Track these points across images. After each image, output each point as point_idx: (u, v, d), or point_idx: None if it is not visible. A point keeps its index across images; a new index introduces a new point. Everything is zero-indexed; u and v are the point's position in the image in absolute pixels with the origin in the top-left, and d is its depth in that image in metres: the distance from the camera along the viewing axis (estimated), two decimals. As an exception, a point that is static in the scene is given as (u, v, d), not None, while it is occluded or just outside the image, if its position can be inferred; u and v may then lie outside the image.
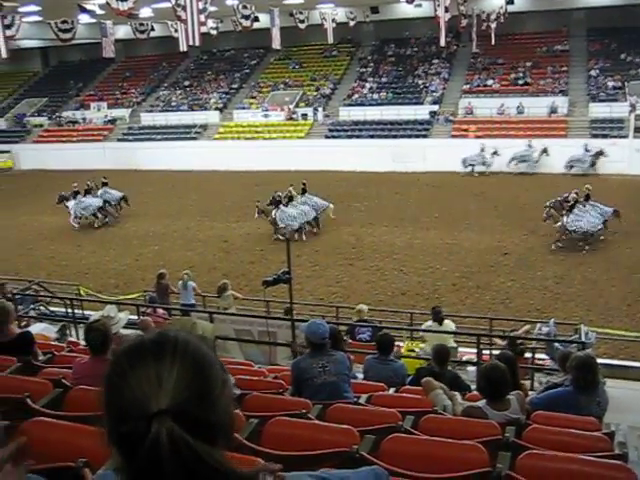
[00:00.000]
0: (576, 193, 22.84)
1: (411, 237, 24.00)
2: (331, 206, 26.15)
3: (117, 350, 1.31)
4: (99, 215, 28.72)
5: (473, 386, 7.51)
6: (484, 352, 10.76)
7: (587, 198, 22.83)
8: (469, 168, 34.65)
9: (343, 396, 5.99)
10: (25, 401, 4.07)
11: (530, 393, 6.75)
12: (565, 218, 21.81)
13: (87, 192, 29.07)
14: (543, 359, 11.32)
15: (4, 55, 22.98)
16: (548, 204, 22.88)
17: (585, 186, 23.54)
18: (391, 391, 6.42)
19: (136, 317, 12.78)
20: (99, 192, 29.38)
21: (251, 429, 3.71)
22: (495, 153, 34.00)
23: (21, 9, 25.96)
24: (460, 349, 11.51)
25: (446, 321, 11.68)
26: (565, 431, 4.31)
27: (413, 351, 11.16)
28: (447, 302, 17.59)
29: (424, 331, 11.51)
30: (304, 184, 26.99)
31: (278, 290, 12.19)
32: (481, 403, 4.83)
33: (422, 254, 22.16)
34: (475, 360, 9.93)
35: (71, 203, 28.39)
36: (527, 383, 8.75)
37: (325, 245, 23.58)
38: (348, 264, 21.66)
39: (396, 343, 9.26)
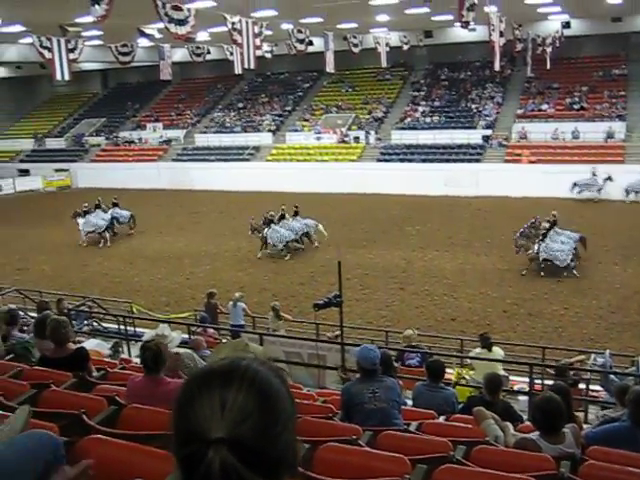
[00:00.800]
0: (548, 221, 22.81)
1: (462, 262, 23.76)
2: (320, 226, 26.73)
3: (190, 375, 1.35)
4: (106, 234, 29.43)
5: (525, 416, 7.39)
6: (536, 382, 10.53)
7: (554, 224, 22.90)
8: (578, 192, 33.50)
9: (393, 423, 5.95)
10: (81, 417, 4.15)
11: (584, 426, 6.59)
12: (536, 246, 21.75)
13: (97, 207, 30.44)
14: (597, 391, 11.04)
15: (67, 77, 23.63)
16: (517, 235, 22.46)
17: (552, 212, 23.63)
18: (441, 419, 6.35)
19: (187, 336, 12.95)
20: (109, 211, 30.47)
21: (302, 454, 3.70)
22: (609, 179, 32.87)
23: (84, 33, 26.75)
24: (511, 377, 11.30)
25: (495, 348, 11.43)
26: (625, 469, 4.18)
27: (463, 378, 11.00)
28: (498, 329, 17.33)
29: (473, 358, 11.29)
30: (296, 207, 27.93)
31: (328, 313, 12.20)
32: (535, 435, 4.73)
33: (473, 279, 21.90)
34: (527, 390, 9.75)
35: (81, 221, 29.36)
36: (581, 415, 8.55)
37: (376, 268, 23.50)
38: (398, 288, 21.53)
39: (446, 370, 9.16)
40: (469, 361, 11.88)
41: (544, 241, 21.79)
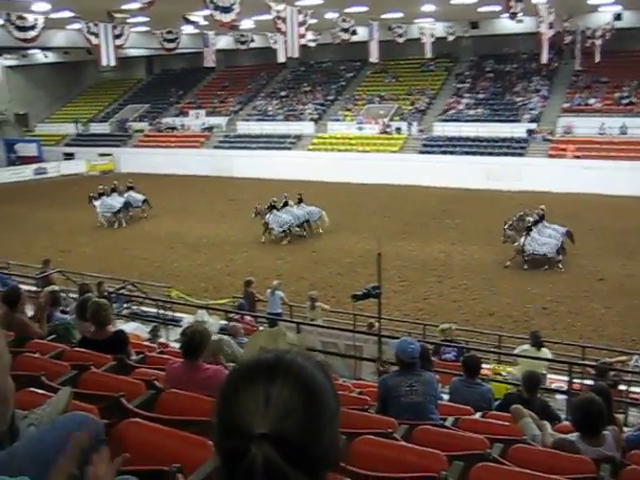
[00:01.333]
0: (537, 214, 23.20)
1: (503, 257, 23.47)
2: (324, 214, 27.37)
3: (235, 366, 1.33)
4: (120, 216, 30.57)
5: (562, 415, 7.29)
6: (575, 381, 10.37)
7: (542, 218, 23.20)
8: None
9: (429, 417, 5.91)
10: (120, 400, 4.19)
11: (624, 429, 6.47)
12: (522, 239, 22.08)
13: (113, 190, 31.48)
14: (638, 393, 10.83)
15: (113, 63, 23.96)
16: (506, 226, 22.89)
17: (540, 206, 23.88)
18: (477, 415, 6.29)
19: (225, 322, 13.04)
20: (125, 195, 31.48)
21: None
22: None
23: (130, 20, 27.02)
24: (549, 376, 11.14)
25: (544, 349, 11.18)
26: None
27: (500, 374, 10.89)
28: (537, 326, 17.02)
29: (519, 356, 11.04)
30: (300, 195, 28.57)
31: (365, 304, 12.18)
32: (574, 436, 4.66)
33: (513, 275, 21.66)
34: (565, 389, 9.61)
35: (97, 203, 30.46)
36: (620, 417, 8.40)
37: (414, 261, 23.38)
38: (437, 281, 21.40)
39: (483, 365, 9.08)
40: (512, 358, 11.69)
41: (529, 235, 22.08)
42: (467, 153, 38.26)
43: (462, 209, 31.03)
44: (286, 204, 27.54)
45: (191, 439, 2.97)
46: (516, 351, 11.42)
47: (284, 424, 1.19)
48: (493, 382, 9.31)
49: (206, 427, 3.89)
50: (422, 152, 39.71)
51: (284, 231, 26.40)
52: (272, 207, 26.79)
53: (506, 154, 37.41)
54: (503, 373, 10.92)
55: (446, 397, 7.68)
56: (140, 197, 31.95)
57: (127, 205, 31.11)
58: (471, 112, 41.80)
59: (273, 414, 1.20)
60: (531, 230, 22.24)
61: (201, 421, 3.87)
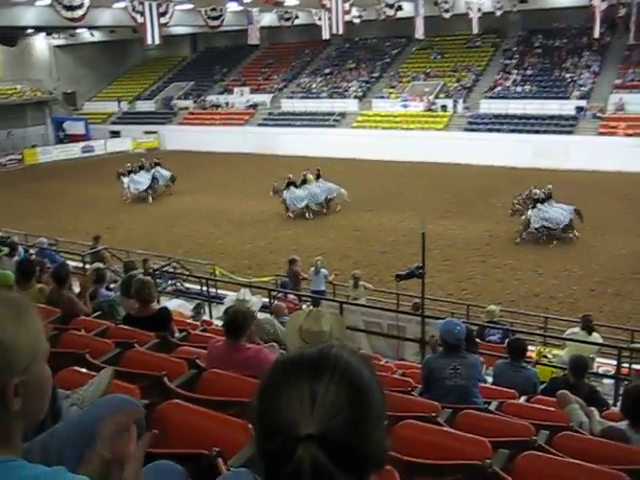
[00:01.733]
0: (543, 192, 23.29)
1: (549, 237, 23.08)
2: (343, 191, 27.25)
3: (276, 361, 1.27)
4: (149, 192, 31.37)
5: (610, 401, 7.13)
6: (624, 365, 10.13)
7: (549, 197, 23.28)
8: None
9: (472, 401, 5.83)
10: (162, 380, 4.21)
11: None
12: (529, 212, 22.36)
13: (140, 168, 32.01)
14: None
15: (157, 41, 24.08)
16: (515, 201, 23.40)
17: (547, 186, 23.87)
18: (522, 399, 6.19)
19: (267, 300, 13.09)
20: (152, 171, 31.97)
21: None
22: None
23: (175, -3, 27.12)
24: (597, 359, 10.91)
25: (595, 333, 10.90)
26: None
27: (545, 357, 10.70)
28: (583, 308, 16.74)
29: (568, 339, 10.78)
30: (318, 170, 28.39)
31: (408, 283, 12.07)
32: (623, 424, 4.53)
33: (559, 256, 21.26)
34: (613, 373, 9.40)
35: (126, 180, 31.24)
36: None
37: (458, 240, 23.13)
38: (481, 261, 21.16)
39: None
40: (561, 341, 11.45)
41: (536, 207, 22.32)
42: (514, 131, 37.56)
43: (508, 188, 30.47)
44: (304, 181, 27.68)
45: (231, 422, 2.95)
46: (566, 333, 11.15)
47: (332, 424, 1.13)
48: (538, 365, 9.15)
49: (246, 409, 3.90)
50: (467, 130, 39.14)
51: (303, 208, 26.79)
52: (290, 184, 27.04)
53: (554, 132, 36.66)
54: (549, 355, 10.72)
55: (490, 380, 7.59)
56: (167, 173, 32.52)
57: (155, 181, 31.81)
58: (518, 89, 40.98)
59: (320, 414, 1.13)
60: (537, 203, 22.46)
61: (242, 402, 3.86)
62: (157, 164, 32.77)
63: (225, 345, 5.26)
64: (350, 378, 1.18)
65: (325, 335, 4.74)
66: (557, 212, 22.43)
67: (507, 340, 8.43)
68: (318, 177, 28.15)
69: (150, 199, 31.33)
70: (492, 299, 17.35)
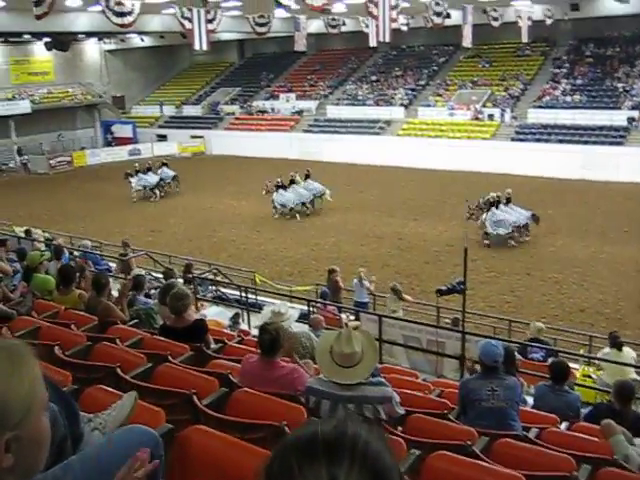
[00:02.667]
0: (497, 195, 24.14)
1: (595, 251, 22.57)
2: (327, 191, 28.77)
3: (286, 440, 1.15)
4: (156, 191, 33.08)
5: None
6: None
7: (508, 201, 24.27)
8: None
9: (509, 424, 5.67)
10: (192, 398, 4.15)
11: None
12: (484, 215, 23.34)
13: (148, 169, 33.73)
14: None
15: (205, 47, 24.23)
16: (471, 205, 24.34)
17: (507, 190, 24.85)
18: (563, 426, 5.97)
19: (306, 308, 13.01)
20: (159, 171, 33.95)
21: (411, 462, 3.52)
22: None
23: (223, 4, 27.28)
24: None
25: (625, 348, 10.55)
26: None
27: (589, 377, 10.39)
28: (631, 325, 16.35)
29: (601, 360, 10.48)
30: (308, 171, 29.79)
31: (450, 296, 11.89)
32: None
33: (607, 270, 20.76)
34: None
35: (134, 180, 32.86)
36: None
37: (502, 252, 22.76)
38: (525, 273, 20.77)
39: (571, 365, 8.66)
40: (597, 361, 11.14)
41: (490, 211, 23.30)
42: (562, 141, 36.87)
43: (554, 199, 30.00)
44: (292, 182, 28.78)
45: (257, 452, 2.85)
46: (600, 354, 10.81)
47: None
48: (580, 387, 8.87)
49: (274, 432, 3.81)
50: (514, 140, 38.57)
51: (290, 209, 27.97)
52: (279, 186, 28.28)
53: (604, 143, 35.84)
54: (593, 376, 10.41)
55: (530, 400, 7.38)
56: (171, 173, 34.25)
57: (161, 181, 33.55)
58: (568, 99, 40.23)
59: None
60: (491, 207, 23.40)
61: (270, 425, 3.77)
62: (164, 164, 34.36)
63: (259, 362, 5.19)
64: (372, 462, 1.08)
65: (357, 356, 4.65)
66: (512, 215, 23.29)
67: (550, 361, 8.19)
68: (307, 177, 29.47)
69: (157, 197, 32.95)
70: (536, 313, 17.03)
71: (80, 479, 2.03)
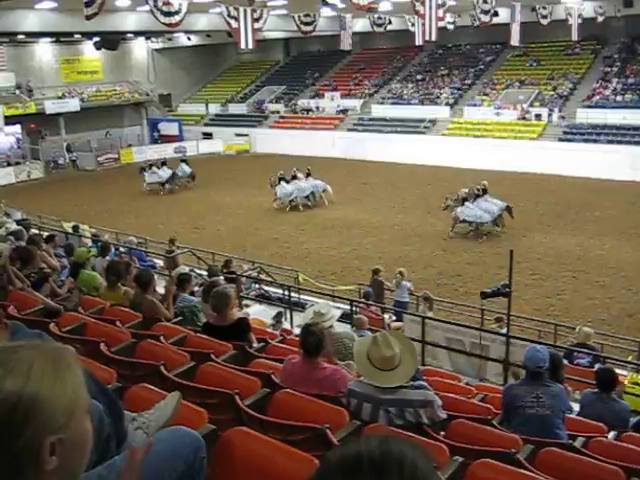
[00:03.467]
0: (469, 189, 25.63)
1: (645, 254, 22.08)
2: (328, 187, 30.37)
3: (330, 459, 1.12)
4: (167, 186, 34.51)
5: None
6: None
7: (484, 192, 25.40)
8: None
9: (554, 432, 5.58)
10: (234, 398, 4.15)
11: None
12: (458, 209, 24.57)
13: (163, 164, 35.51)
14: None
15: (251, 46, 24.34)
16: (449, 196, 25.80)
17: (482, 182, 26.08)
18: (611, 435, 5.84)
19: (349, 307, 12.97)
20: (178, 167, 35.64)
21: (454, 469, 3.47)
22: None
23: (269, 3, 27.39)
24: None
25: None
26: None
27: (638, 384, 10.14)
28: (681, 331, 15.94)
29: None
30: (308, 169, 31.29)
31: (494, 299, 11.72)
32: None
33: (657, 274, 20.29)
34: None
35: (146, 174, 34.61)
36: None
37: (548, 253, 22.41)
38: (571, 276, 20.41)
39: (619, 372, 8.48)
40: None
41: (464, 204, 24.67)
42: (611, 142, 36.12)
43: (603, 201, 29.44)
44: (294, 177, 30.51)
45: (299, 457, 2.84)
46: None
47: None
48: (628, 395, 8.66)
49: (316, 435, 3.79)
50: (562, 140, 37.90)
51: (290, 201, 29.68)
52: (281, 179, 30.05)
53: (656, 143, 35.05)
54: (643, 384, 10.15)
55: (576, 407, 7.24)
56: (188, 170, 35.61)
57: (174, 176, 34.81)
58: (618, 98, 39.40)
59: None
60: (466, 201, 24.75)
61: (312, 427, 3.76)
62: (183, 161, 35.60)
63: (301, 362, 5.18)
64: None
65: (397, 358, 4.63)
66: (484, 208, 24.48)
67: (596, 368, 8.02)
68: (308, 175, 30.94)
69: (165, 190, 34.20)
70: (582, 317, 16.74)
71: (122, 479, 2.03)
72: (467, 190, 25.52)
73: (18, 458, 1.27)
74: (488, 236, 24.35)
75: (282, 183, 29.96)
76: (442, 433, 4.64)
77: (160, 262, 17.17)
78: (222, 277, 12.10)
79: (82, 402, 1.38)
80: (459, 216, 24.43)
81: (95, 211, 30.21)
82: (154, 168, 34.91)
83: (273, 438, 3.16)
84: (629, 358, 12.39)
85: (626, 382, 10.01)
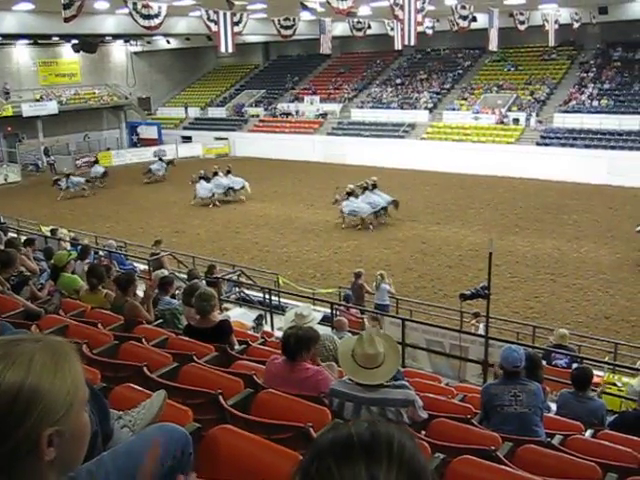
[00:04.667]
0: (366, 183, 27.64)
1: (622, 257, 22.35)
2: (246, 184, 32.62)
3: (321, 442, 1.17)
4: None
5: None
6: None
7: (374, 187, 27.58)
8: None
9: (533, 429, 5.66)
10: (217, 398, 4.19)
11: None
12: (344, 203, 26.63)
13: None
14: None
15: (231, 50, 24.33)
16: (338, 192, 27.46)
17: (372, 177, 28.64)
18: (588, 433, 5.94)
19: (329, 311, 13.02)
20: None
21: (435, 464, 3.53)
22: None
23: (249, 7, 27.43)
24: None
25: None
26: None
27: (614, 385, 10.30)
28: (657, 333, 16.17)
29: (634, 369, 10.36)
30: (229, 167, 33.74)
31: (474, 302, 11.83)
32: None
33: (632, 276, 20.53)
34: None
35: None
36: None
37: (526, 256, 22.63)
38: (549, 279, 20.61)
39: (595, 372, 8.60)
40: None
41: (348, 199, 26.66)
42: (588, 146, 36.50)
43: (580, 205, 29.78)
44: (216, 174, 32.72)
45: (283, 453, 2.88)
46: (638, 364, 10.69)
47: None
48: (605, 395, 8.80)
49: (299, 433, 3.84)
50: (540, 144, 38.27)
51: (209, 197, 31.78)
52: (201, 178, 32.06)
53: (631, 148, 35.47)
54: (618, 384, 10.32)
55: (554, 407, 7.34)
56: (101, 170, 37.27)
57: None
58: (594, 103, 39.87)
59: None
60: (351, 195, 26.77)
61: (296, 427, 3.80)
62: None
63: (284, 363, 5.22)
64: (408, 462, 1.10)
65: (381, 357, 4.68)
66: (369, 201, 26.60)
67: (572, 369, 8.14)
68: (228, 173, 33.06)
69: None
70: (560, 319, 16.93)
71: (112, 474, 2.07)
72: (352, 186, 27.36)
73: (18, 448, 1.30)
74: (376, 226, 26.68)
75: (202, 182, 31.95)
76: (423, 432, 4.70)
77: (140, 266, 17.13)
78: (203, 280, 12.10)
79: (81, 395, 1.42)
80: (343, 210, 26.54)
81: (72, 215, 30.04)
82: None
83: (258, 437, 3.20)
84: (606, 359, 12.55)
85: (602, 382, 10.17)
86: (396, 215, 27.68)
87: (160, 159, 39.82)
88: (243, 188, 32.56)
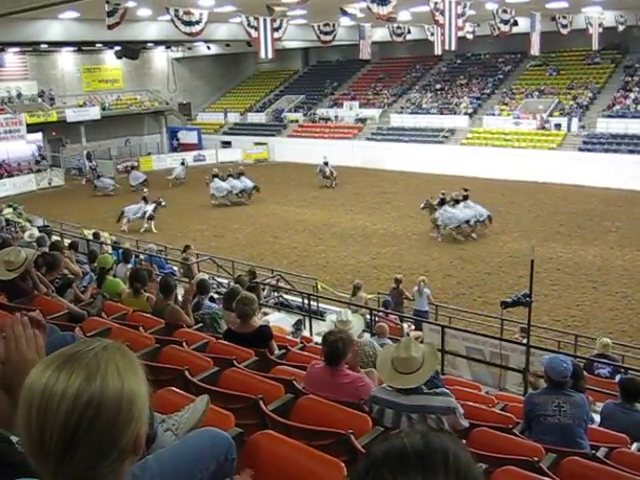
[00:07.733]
0: (442, 194, 26.48)
1: (667, 266, 21.89)
2: (257, 187, 33.44)
3: (375, 453, 1.15)
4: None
5: None
6: None
7: (465, 198, 26.45)
8: None
9: (576, 442, 5.55)
10: (258, 403, 4.19)
11: None
12: (436, 213, 25.47)
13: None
14: None
15: (270, 56, 24.48)
16: (431, 199, 26.59)
17: (463, 188, 27.36)
18: (634, 447, 5.80)
19: (369, 317, 12.98)
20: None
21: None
22: None
23: (289, 13, 27.53)
24: None
25: None
26: None
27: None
28: None
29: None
30: (242, 168, 35.13)
31: (514, 309, 11.69)
32: None
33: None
34: None
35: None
36: None
37: (568, 264, 22.28)
38: (591, 287, 20.26)
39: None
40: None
41: (441, 208, 25.49)
42: (632, 152, 35.85)
43: (624, 212, 29.24)
44: (230, 175, 33.65)
45: (325, 459, 2.87)
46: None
47: None
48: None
49: (340, 440, 3.82)
50: (582, 150, 37.69)
51: (223, 196, 32.82)
52: (215, 176, 32.96)
53: (677, 154, 34.76)
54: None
55: (597, 418, 7.19)
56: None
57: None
58: (639, 108, 39.17)
59: None
60: (443, 204, 25.69)
61: (336, 433, 3.78)
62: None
63: (324, 369, 5.21)
64: (464, 473, 1.08)
65: (417, 362, 4.64)
66: (462, 211, 25.45)
67: (619, 379, 7.97)
68: (240, 175, 33.89)
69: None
70: (602, 328, 16.63)
71: (157, 477, 2.09)
72: (444, 192, 26.70)
73: (125, 450, 1.37)
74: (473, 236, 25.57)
75: (216, 180, 32.80)
76: (464, 441, 4.64)
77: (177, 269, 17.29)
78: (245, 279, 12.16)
79: (149, 391, 1.48)
80: (437, 219, 25.51)
81: (114, 219, 30.42)
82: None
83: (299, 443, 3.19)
84: (650, 369, 12.27)
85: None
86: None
87: (182, 163, 40.72)
88: (256, 189, 33.50)
